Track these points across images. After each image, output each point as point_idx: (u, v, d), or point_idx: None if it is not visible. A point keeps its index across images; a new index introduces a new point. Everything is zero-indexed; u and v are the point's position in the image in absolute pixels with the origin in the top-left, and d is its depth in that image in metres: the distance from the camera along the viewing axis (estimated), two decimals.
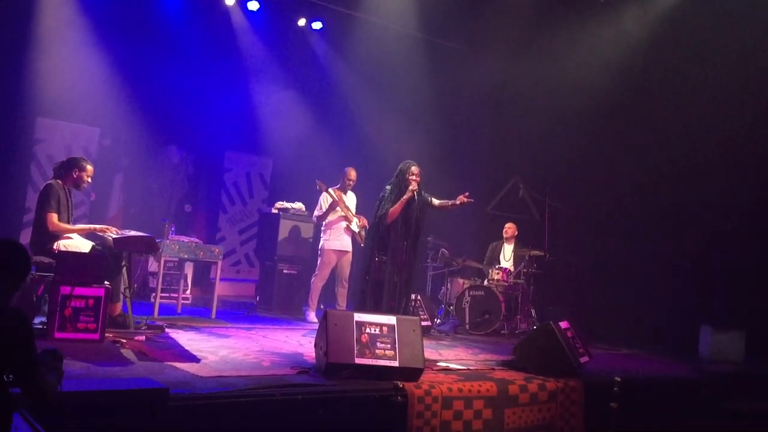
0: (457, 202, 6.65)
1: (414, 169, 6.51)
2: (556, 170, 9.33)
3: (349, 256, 7.90)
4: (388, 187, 6.53)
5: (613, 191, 8.95)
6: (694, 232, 8.24)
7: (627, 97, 8.90)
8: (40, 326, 5.00)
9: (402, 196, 6.40)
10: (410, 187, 6.40)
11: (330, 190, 7.82)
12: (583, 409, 5.15)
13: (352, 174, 7.91)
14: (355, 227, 7.86)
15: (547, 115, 9.29)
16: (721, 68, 8.17)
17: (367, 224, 7.66)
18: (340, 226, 7.84)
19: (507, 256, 8.76)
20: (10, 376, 2.52)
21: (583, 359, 5.61)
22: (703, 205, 8.19)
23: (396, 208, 6.35)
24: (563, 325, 5.61)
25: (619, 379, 5.25)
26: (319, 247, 7.93)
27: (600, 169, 9.09)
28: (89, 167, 5.91)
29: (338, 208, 7.80)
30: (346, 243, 7.86)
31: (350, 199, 8.00)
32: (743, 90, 8.01)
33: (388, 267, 6.31)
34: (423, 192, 6.64)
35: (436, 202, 6.73)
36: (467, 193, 6.64)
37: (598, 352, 6.68)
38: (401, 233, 6.42)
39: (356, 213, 7.98)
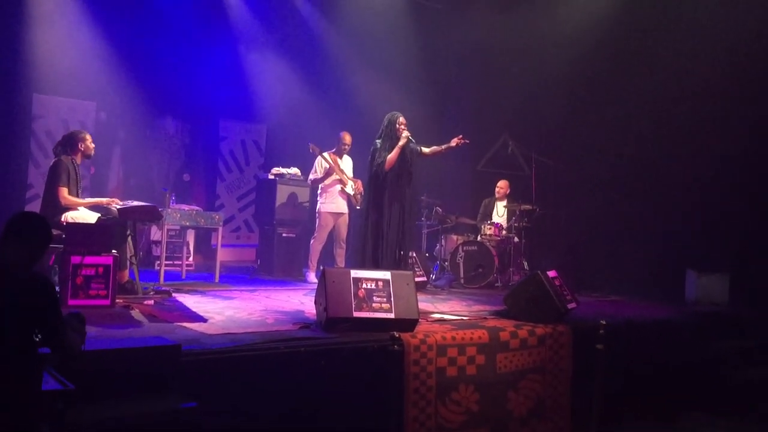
0: (452, 144, 6.66)
1: (402, 118, 6.69)
2: (544, 125, 9.55)
3: (346, 218, 8.15)
4: (378, 141, 6.69)
5: (598, 143, 9.14)
6: (679, 180, 8.48)
7: (612, 48, 9.03)
8: None
9: (395, 145, 6.59)
10: (404, 134, 6.58)
11: (324, 153, 8.04)
12: (570, 352, 5.45)
13: (347, 138, 8.12)
14: (350, 190, 8.09)
15: (534, 71, 9.46)
16: (708, 13, 8.27)
17: (362, 188, 7.88)
18: (335, 190, 8.07)
19: (500, 212, 9.00)
20: (38, 336, 2.77)
21: (571, 306, 5.89)
22: (687, 153, 8.40)
23: (393, 155, 6.52)
24: (551, 274, 5.88)
25: (604, 323, 5.52)
26: (316, 210, 8.18)
27: (586, 121, 9.27)
28: (88, 135, 6.19)
29: (334, 172, 8.02)
30: (341, 205, 8.10)
31: (346, 162, 8.21)
32: (727, 33, 8.10)
33: (386, 221, 6.53)
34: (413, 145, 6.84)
35: (426, 149, 6.82)
36: (461, 135, 6.72)
37: (587, 299, 6.98)
38: (399, 180, 6.64)
39: (353, 176, 8.19)
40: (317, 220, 8.14)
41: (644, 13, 8.82)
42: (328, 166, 8.00)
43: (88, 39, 8.79)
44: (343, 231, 8.14)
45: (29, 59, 8.42)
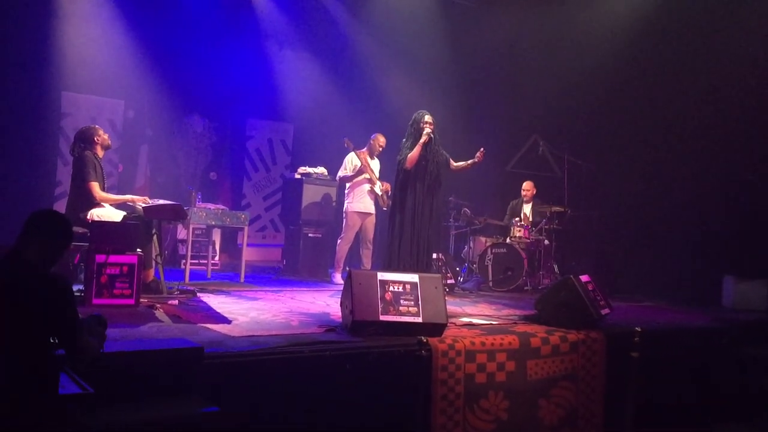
0: (476, 160, 6.81)
1: (427, 117, 6.69)
2: (575, 125, 9.34)
3: (373, 218, 8.04)
4: (404, 140, 6.68)
5: (632, 143, 8.92)
6: (716, 183, 8.23)
7: (645, 47, 8.80)
8: (78, 293, 5.22)
9: (417, 143, 6.52)
10: (425, 132, 6.53)
11: (357, 152, 7.94)
12: (604, 359, 5.26)
13: (381, 140, 8.05)
14: (378, 190, 7.97)
15: (565, 70, 9.25)
16: (750, 13, 8.03)
17: (389, 189, 7.78)
18: (363, 189, 7.96)
19: (527, 214, 8.82)
20: (55, 338, 2.69)
21: (604, 311, 5.71)
22: (726, 155, 8.15)
23: (414, 153, 6.51)
24: (584, 278, 5.70)
25: (639, 330, 5.34)
26: (344, 210, 8.08)
27: (619, 121, 9.06)
28: (99, 127, 6.16)
29: (365, 170, 7.93)
30: (368, 205, 7.99)
31: (375, 164, 8.10)
32: None
33: (410, 221, 6.44)
34: (441, 148, 6.77)
35: (453, 164, 6.88)
36: (482, 149, 6.76)
37: (619, 304, 6.78)
38: (425, 180, 6.55)
39: (380, 179, 8.09)
40: (344, 220, 8.04)
41: (683, 10, 8.56)
42: (359, 164, 7.88)
43: (117, 37, 8.81)
44: (370, 232, 8.02)
45: (58, 57, 8.46)
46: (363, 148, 8.07)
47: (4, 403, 2.41)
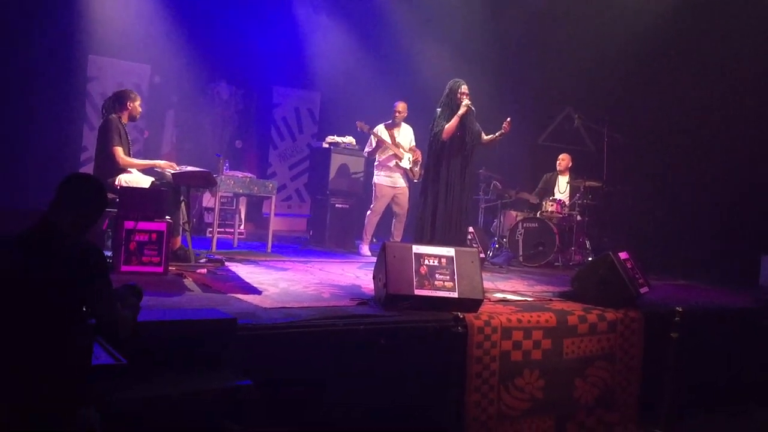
0: (503, 131, 6.57)
1: (464, 87, 6.46)
2: (610, 98, 9.04)
3: (405, 192, 7.84)
4: (438, 109, 6.47)
5: (670, 117, 8.64)
6: (753, 160, 7.95)
7: (683, 18, 8.46)
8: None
9: (454, 114, 6.33)
10: (464, 102, 6.33)
11: (376, 129, 7.78)
12: (642, 339, 5.11)
13: (400, 106, 7.83)
14: (406, 164, 7.78)
15: (599, 41, 8.93)
16: None
17: (420, 158, 7.61)
18: (390, 164, 7.81)
19: (562, 188, 8.60)
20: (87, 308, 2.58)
21: (643, 290, 5.54)
22: (763, 129, 7.87)
23: (452, 124, 6.32)
24: (623, 255, 5.52)
25: (680, 309, 5.17)
26: (373, 182, 7.93)
27: (656, 95, 8.76)
28: (138, 97, 5.99)
29: (387, 147, 7.75)
30: (396, 180, 7.82)
31: (404, 132, 7.91)
32: None
33: (444, 193, 6.29)
34: (475, 119, 6.56)
35: (484, 137, 6.67)
36: (509, 119, 6.53)
37: (656, 282, 6.59)
38: (460, 152, 6.38)
39: (415, 146, 7.90)
40: (374, 191, 7.89)
41: None
42: (383, 138, 7.73)
43: (145, 1, 8.65)
44: (403, 206, 7.84)
45: (86, 20, 8.35)
46: (388, 120, 7.88)
47: (35, 373, 2.31)
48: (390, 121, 7.86)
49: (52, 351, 2.34)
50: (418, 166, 7.72)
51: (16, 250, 2.37)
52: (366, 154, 8.10)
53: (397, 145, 7.78)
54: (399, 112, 7.82)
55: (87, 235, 2.71)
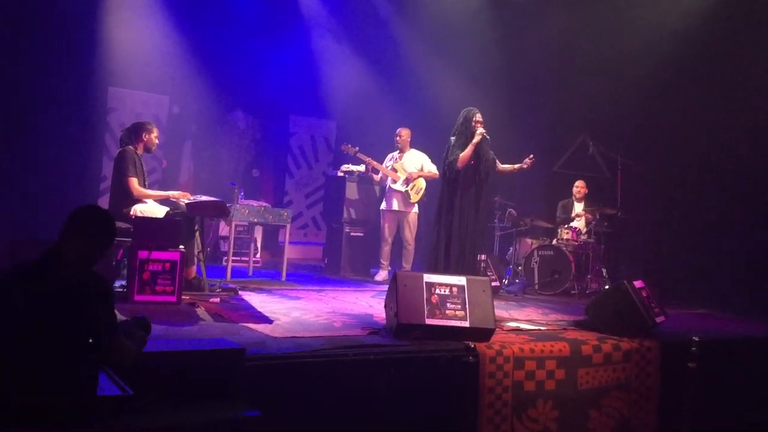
0: (524, 166, 6.65)
1: (478, 116, 6.49)
2: (625, 126, 9.02)
3: (409, 216, 7.93)
4: (452, 138, 6.50)
5: (685, 145, 8.56)
6: None
7: (699, 49, 8.45)
8: (121, 289, 5.20)
9: (469, 143, 6.35)
10: (478, 131, 6.35)
11: (362, 155, 8.06)
12: (659, 370, 5.03)
13: (402, 132, 8.07)
14: (399, 187, 7.84)
15: (615, 70, 8.94)
16: None
17: (416, 179, 7.84)
18: (389, 188, 7.97)
19: (581, 213, 8.55)
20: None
21: (659, 319, 5.46)
22: None
23: (466, 153, 6.32)
24: (637, 284, 5.46)
25: (697, 339, 5.08)
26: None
27: (671, 123, 8.69)
28: (155, 129, 6.07)
29: (378, 170, 8.04)
30: (396, 204, 7.93)
31: (409, 157, 8.03)
32: None
33: (458, 222, 6.28)
34: (489, 147, 6.58)
35: (500, 166, 6.69)
36: (532, 156, 6.59)
37: (673, 311, 6.50)
38: (474, 180, 6.39)
39: (422, 169, 7.97)
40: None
41: (738, 8, 8.19)
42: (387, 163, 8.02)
43: (163, 34, 8.83)
44: (406, 231, 7.92)
45: (106, 53, 8.50)
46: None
47: (39, 403, 2.32)
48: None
49: (56, 380, 2.35)
50: (414, 189, 7.85)
51: (23, 280, 2.40)
52: (369, 176, 8.32)
53: (395, 169, 7.86)
54: (398, 137, 8.04)
55: (96, 266, 2.73)
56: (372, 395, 3.97)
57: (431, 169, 7.92)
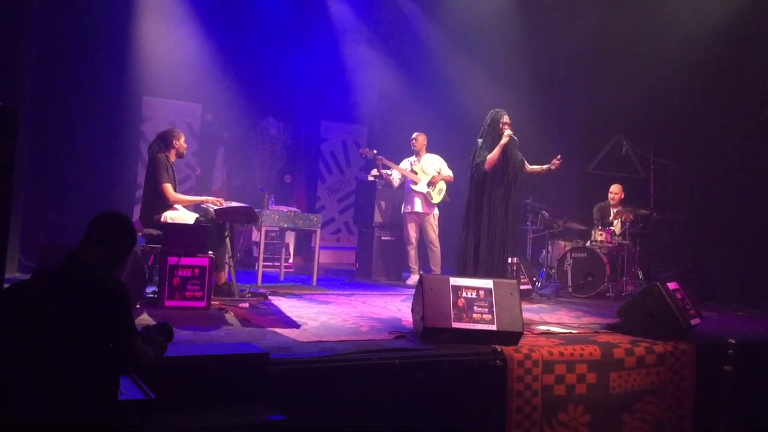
0: (552, 167, 6.61)
1: (506, 117, 6.45)
2: (660, 125, 8.85)
3: (430, 218, 7.95)
4: (479, 140, 6.45)
5: (722, 144, 8.37)
6: None
7: (736, 46, 8.24)
8: (152, 295, 5.28)
9: (496, 144, 6.30)
10: (506, 132, 6.31)
11: (381, 157, 8.10)
12: (694, 373, 4.92)
13: (417, 137, 8.12)
14: (422, 188, 7.87)
15: (648, 68, 8.78)
16: None
17: (438, 182, 7.87)
18: (409, 190, 8.02)
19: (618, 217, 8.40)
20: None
21: (694, 321, 5.34)
22: None
23: (494, 155, 6.27)
24: (671, 286, 5.35)
25: (733, 341, 4.95)
26: None
27: (706, 120, 8.50)
28: (182, 134, 6.19)
29: (394, 172, 8.10)
30: (416, 205, 7.95)
31: (426, 160, 8.06)
32: None
33: (486, 224, 6.24)
34: (517, 149, 6.52)
35: (528, 167, 6.62)
36: (560, 156, 6.55)
37: (711, 313, 6.37)
38: (502, 182, 6.34)
39: (442, 173, 8.01)
40: None
41: None
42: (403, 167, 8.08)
43: (195, 42, 8.95)
44: (430, 232, 7.95)
45: (139, 62, 8.63)
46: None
47: (60, 408, 2.35)
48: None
49: (78, 385, 2.38)
50: (436, 190, 7.88)
51: (44, 285, 2.45)
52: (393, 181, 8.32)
53: (414, 171, 7.95)
54: (416, 141, 8.09)
55: (116, 272, 2.78)
56: (397, 400, 3.95)
57: (449, 172, 8.02)
